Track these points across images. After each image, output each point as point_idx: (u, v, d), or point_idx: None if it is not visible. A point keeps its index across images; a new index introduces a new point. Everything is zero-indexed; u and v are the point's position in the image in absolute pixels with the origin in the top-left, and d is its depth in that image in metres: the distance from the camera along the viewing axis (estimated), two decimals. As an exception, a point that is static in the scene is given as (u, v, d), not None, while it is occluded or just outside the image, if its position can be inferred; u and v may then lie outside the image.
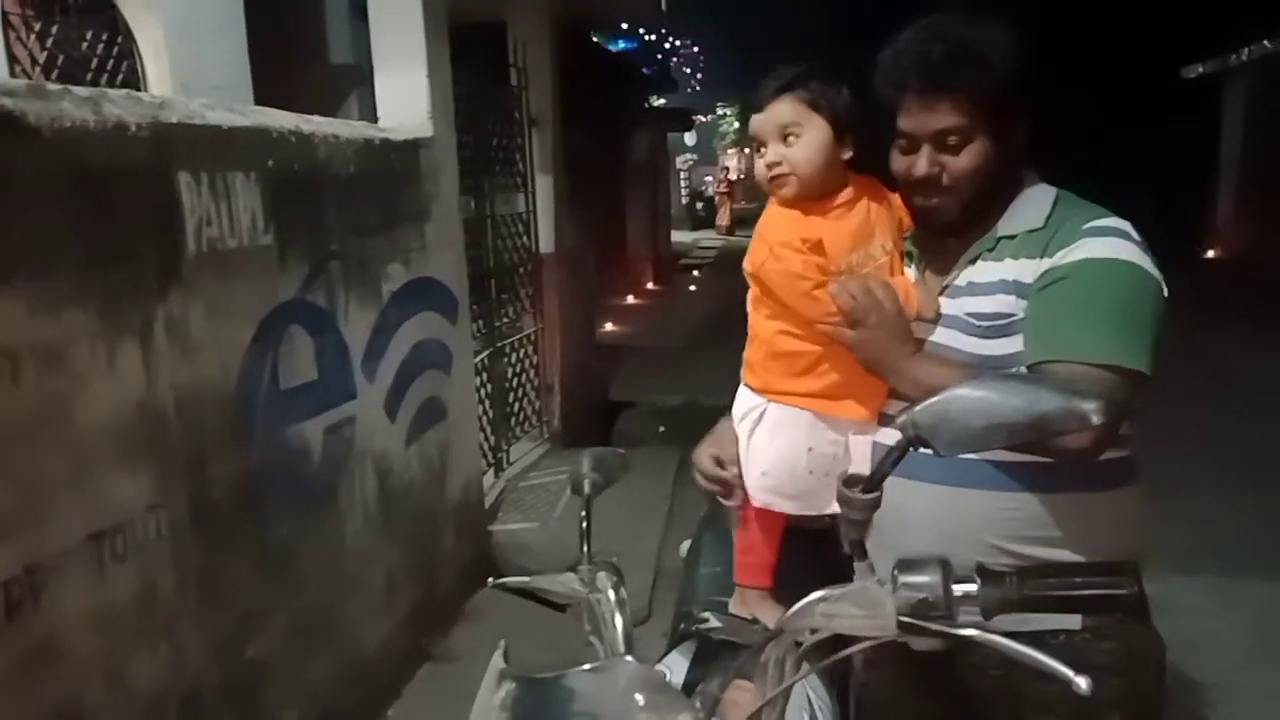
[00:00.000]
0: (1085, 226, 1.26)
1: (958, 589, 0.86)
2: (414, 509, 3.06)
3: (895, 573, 0.88)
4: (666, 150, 16.37)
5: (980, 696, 1.32)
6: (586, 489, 1.42)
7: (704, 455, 1.53)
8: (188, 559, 1.93)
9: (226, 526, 2.06)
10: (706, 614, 1.61)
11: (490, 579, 1.45)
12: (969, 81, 1.26)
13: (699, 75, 28.39)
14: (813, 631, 0.97)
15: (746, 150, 39.02)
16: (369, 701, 2.67)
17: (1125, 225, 1.27)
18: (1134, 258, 1.23)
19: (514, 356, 4.80)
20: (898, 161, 1.36)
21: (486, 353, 4.35)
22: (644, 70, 12.31)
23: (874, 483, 0.90)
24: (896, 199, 1.44)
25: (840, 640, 0.98)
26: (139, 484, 1.81)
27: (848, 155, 1.41)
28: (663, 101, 15.50)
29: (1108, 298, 1.20)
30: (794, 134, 1.37)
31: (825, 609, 0.91)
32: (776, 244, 1.39)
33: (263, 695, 2.21)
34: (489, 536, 3.76)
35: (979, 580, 0.87)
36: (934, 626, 0.86)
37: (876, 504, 0.90)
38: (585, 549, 1.35)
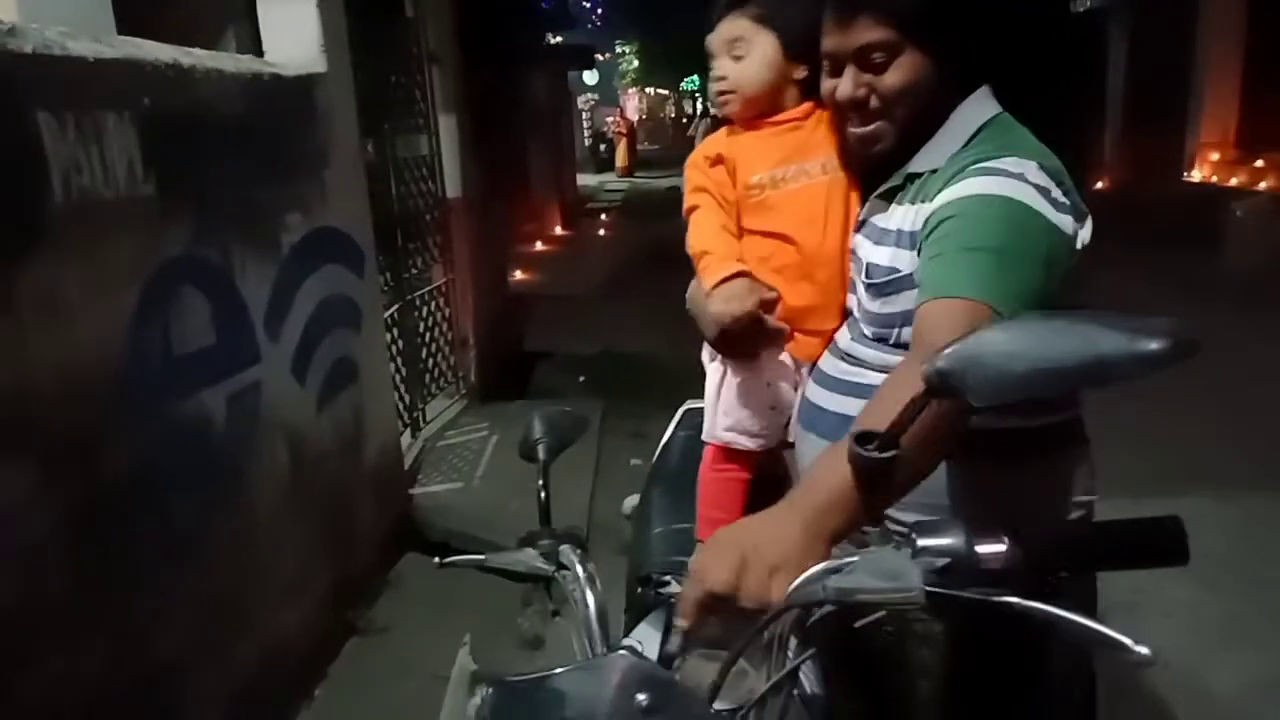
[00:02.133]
0: (976, 165, 1.13)
1: (984, 549, 0.76)
2: (329, 477, 2.86)
3: (913, 535, 0.78)
4: (568, 90, 15.93)
5: (926, 670, 1.25)
6: (541, 454, 1.29)
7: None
8: (79, 554, 1.72)
9: (122, 513, 1.84)
10: (669, 578, 1.53)
11: (437, 559, 1.32)
12: None
13: (599, 11, 27.70)
14: (820, 605, 0.87)
15: (648, 90, 38.59)
16: (293, 686, 2.50)
17: (1026, 166, 1.11)
18: (1019, 195, 1.08)
19: (425, 310, 4.57)
20: (825, 84, 1.26)
21: (396, 307, 4.11)
22: (542, 5, 11.86)
23: (889, 440, 0.80)
24: None
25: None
26: (13, 477, 1.58)
27: (801, 75, 1.34)
28: (561, 39, 15.02)
29: (982, 232, 1.07)
30: (741, 51, 1.33)
31: (839, 581, 0.81)
32: (688, 162, 1.41)
33: (176, 693, 2.02)
34: (409, 500, 3.58)
35: (1007, 539, 0.77)
36: (967, 594, 0.75)
37: (892, 462, 0.81)
38: (545, 521, 1.24)
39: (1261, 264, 7.86)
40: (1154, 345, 0.63)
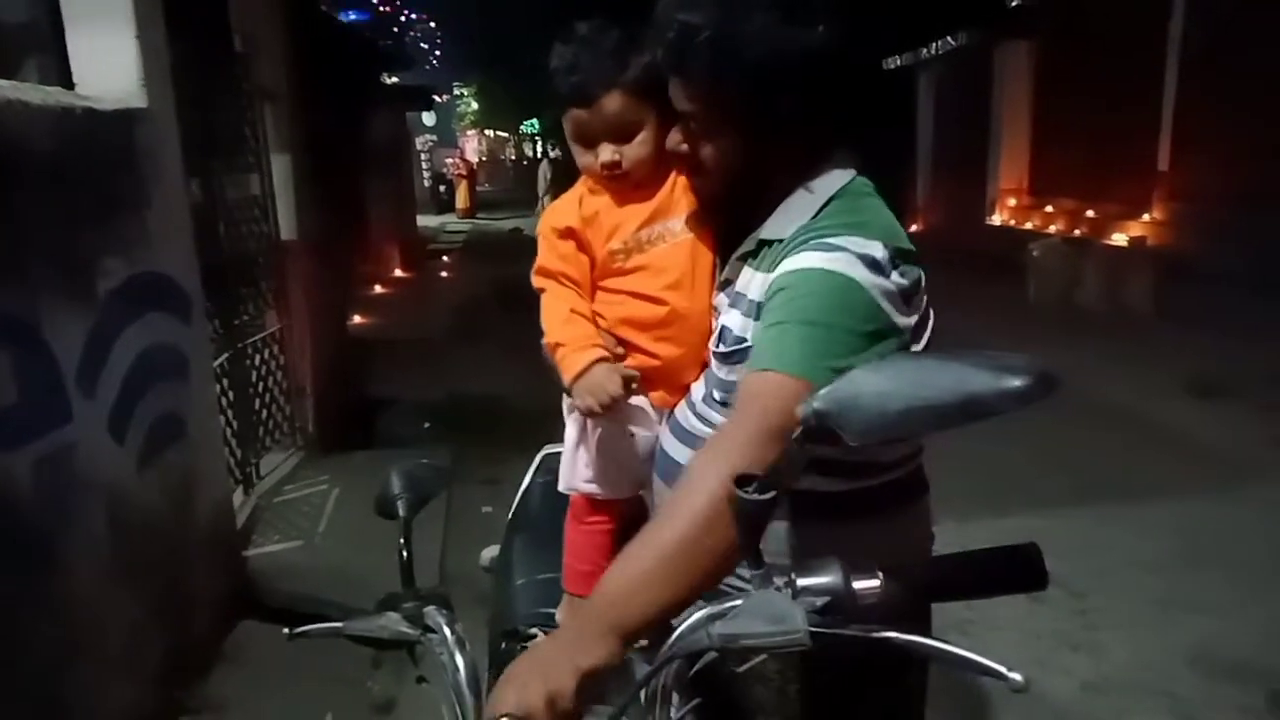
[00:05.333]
0: (812, 241, 1.11)
1: (860, 585, 0.78)
2: (155, 542, 2.63)
3: (793, 577, 0.79)
4: (407, 131, 15.65)
5: (764, 706, 1.25)
6: (400, 510, 1.23)
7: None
8: None
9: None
10: (534, 630, 1.48)
11: (287, 630, 1.22)
12: (701, 70, 1.12)
13: (437, 52, 27.50)
14: (704, 653, 0.87)
15: (487, 131, 38.53)
16: (114, 778, 2.26)
17: (858, 241, 1.09)
18: (845, 270, 1.07)
19: (258, 358, 4.31)
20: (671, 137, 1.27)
21: (226, 356, 3.86)
22: (379, 44, 11.66)
23: (769, 483, 0.80)
24: None
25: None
26: None
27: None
28: (399, 79, 14.79)
29: (806, 308, 1.06)
30: (631, 131, 1.27)
31: (723, 628, 0.81)
32: (539, 229, 1.37)
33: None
34: (244, 563, 3.34)
35: (880, 575, 0.80)
36: (848, 632, 0.77)
37: (773, 505, 0.81)
38: (408, 581, 1.17)
39: (1055, 298, 8.69)
40: (1019, 383, 0.67)
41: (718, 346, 1.20)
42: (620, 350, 1.32)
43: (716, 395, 1.22)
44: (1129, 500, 4.09)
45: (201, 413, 3.07)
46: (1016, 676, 0.68)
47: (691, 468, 1.01)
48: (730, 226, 1.28)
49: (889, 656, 0.74)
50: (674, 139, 1.23)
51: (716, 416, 1.22)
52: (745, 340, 1.15)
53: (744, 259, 1.21)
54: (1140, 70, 8.88)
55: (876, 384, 0.73)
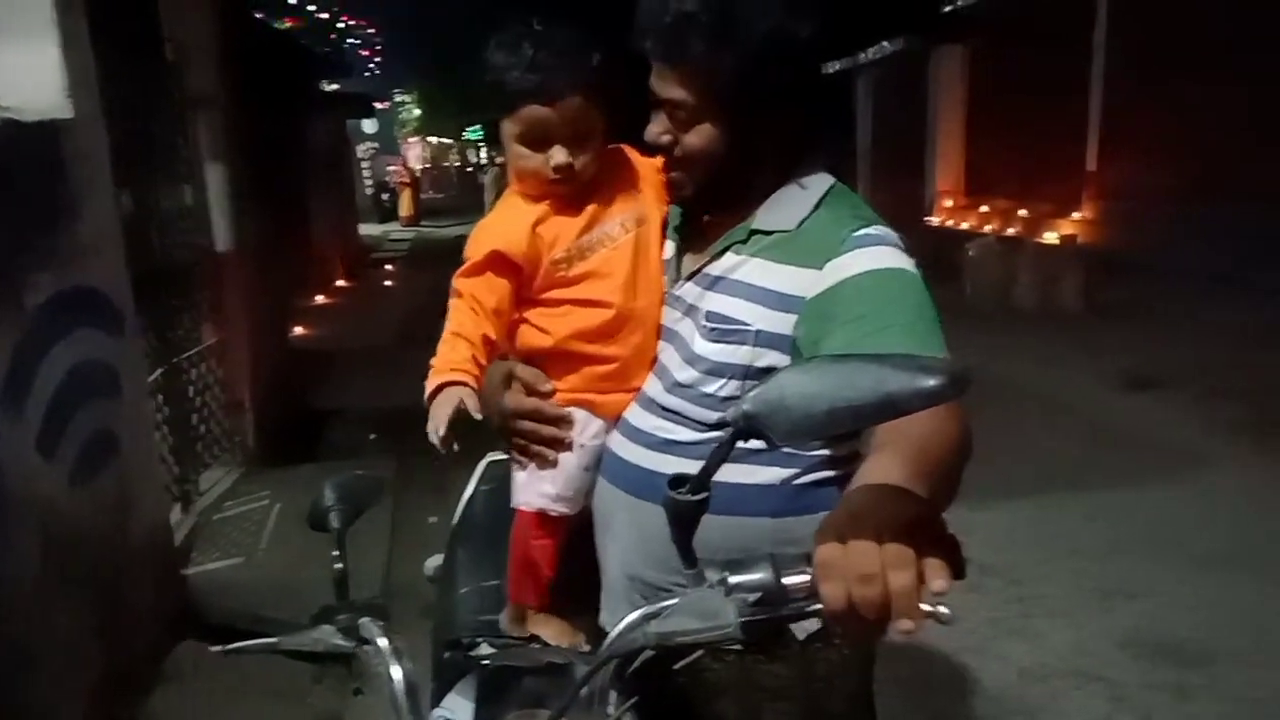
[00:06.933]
0: (852, 236, 1.18)
1: (790, 580, 0.80)
2: (90, 562, 2.56)
3: (725, 574, 0.81)
4: (347, 138, 15.45)
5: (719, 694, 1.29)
6: (334, 523, 1.21)
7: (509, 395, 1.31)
8: None
9: None
10: (479, 640, 1.48)
11: (221, 646, 1.20)
12: (700, 55, 1.13)
13: (377, 58, 27.17)
14: (640, 652, 0.88)
15: (430, 139, 38.16)
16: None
17: (885, 229, 1.21)
18: (907, 264, 1.18)
19: (195, 372, 4.23)
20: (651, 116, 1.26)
21: (161, 370, 3.78)
22: (317, 51, 11.50)
23: (701, 482, 0.82)
24: (655, 164, 1.34)
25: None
26: None
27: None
28: (338, 87, 14.60)
29: (911, 306, 1.14)
30: (585, 132, 1.26)
31: (659, 626, 0.83)
32: (467, 252, 1.30)
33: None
34: (184, 581, 3.27)
35: (811, 569, 0.80)
36: (778, 615, 0.80)
37: (705, 505, 0.83)
38: (343, 594, 1.16)
39: (992, 296, 8.90)
40: (933, 382, 0.70)
41: (708, 324, 1.21)
42: (549, 387, 1.31)
43: (685, 378, 1.23)
44: (1067, 491, 4.21)
45: (136, 429, 3.00)
46: (944, 610, 0.71)
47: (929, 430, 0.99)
48: (694, 221, 1.31)
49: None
50: (655, 130, 1.22)
51: (683, 403, 1.23)
52: (746, 324, 1.18)
53: (724, 250, 1.24)
54: (1068, 74, 9.17)
55: (803, 386, 0.75)
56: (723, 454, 0.82)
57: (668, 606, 0.84)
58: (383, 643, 1.09)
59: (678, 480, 0.83)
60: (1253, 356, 5.90)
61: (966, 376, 0.69)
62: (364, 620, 1.11)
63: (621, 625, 0.87)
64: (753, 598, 0.79)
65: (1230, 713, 2.63)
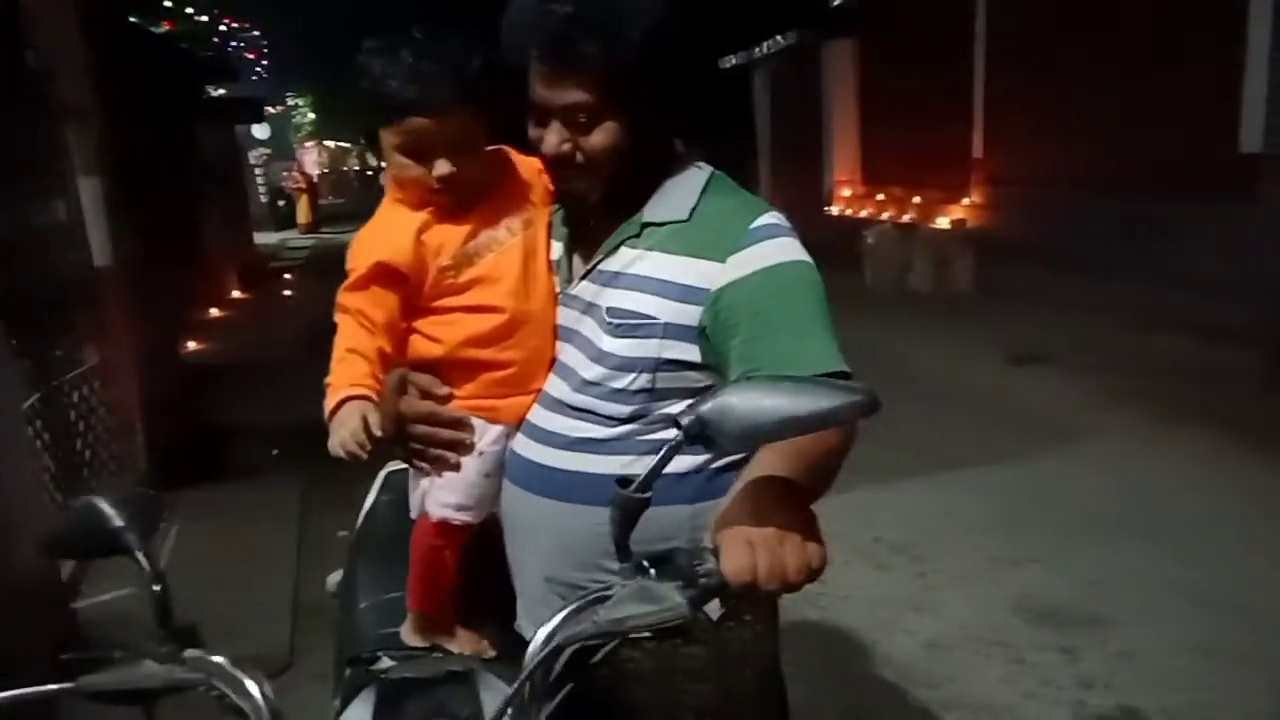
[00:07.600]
0: (750, 230, 1.21)
1: (700, 568, 0.89)
2: (-37, 605, 2.42)
3: (645, 564, 0.88)
4: (237, 145, 14.93)
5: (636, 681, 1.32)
6: (134, 544, 1.00)
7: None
8: None
9: None
10: (379, 653, 1.45)
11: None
12: (595, 53, 1.13)
13: (264, 62, 26.26)
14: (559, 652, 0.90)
15: (327, 143, 37.14)
16: None
17: (780, 218, 1.24)
18: (803, 255, 1.21)
19: (77, 394, 4.02)
20: (533, 131, 1.24)
21: (39, 395, 3.58)
22: (198, 55, 11.06)
23: (647, 482, 0.87)
24: (535, 165, 1.33)
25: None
26: None
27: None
28: (224, 91, 14.08)
29: (807, 306, 1.19)
30: (468, 142, 1.24)
31: (608, 613, 0.87)
32: (349, 265, 1.28)
33: None
34: (74, 615, 3.12)
35: (713, 558, 0.90)
36: (713, 586, 0.88)
37: (648, 503, 0.88)
38: (165, 619, 0.96)
39: (889, 280, 9.21)
40: (854, 401, 0.83)
41: (611, 320, 1.22)
42: (444, 391, 1.30)
43: (593, 376, 1.23)
44: (960, 466, 4.39)
45: (13, 457, 2.84)
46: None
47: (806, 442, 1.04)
48: (580, 219, 1.32)
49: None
50: (553, 141, 1.21)
51: (592, 400, 1.24)
52: (652, 317, 1.20)
53: (618, 246, 1.25)
54: (952, 64, 9.51)
55: (751, 399, 0.85)
56: (670, 455, 0.87)
57: (607, 597, 0.88)
58: (218, 660, 0.94)
59: (626, 480, 0.88)
60: (1130, 334, 6.25)
61: (877, 400, 0.83)
62: (192, 653, 0.94)
63: (566, 613, 0.89)
64: (679, 582, 0.87)
65: (1118, 668, 2.78)
